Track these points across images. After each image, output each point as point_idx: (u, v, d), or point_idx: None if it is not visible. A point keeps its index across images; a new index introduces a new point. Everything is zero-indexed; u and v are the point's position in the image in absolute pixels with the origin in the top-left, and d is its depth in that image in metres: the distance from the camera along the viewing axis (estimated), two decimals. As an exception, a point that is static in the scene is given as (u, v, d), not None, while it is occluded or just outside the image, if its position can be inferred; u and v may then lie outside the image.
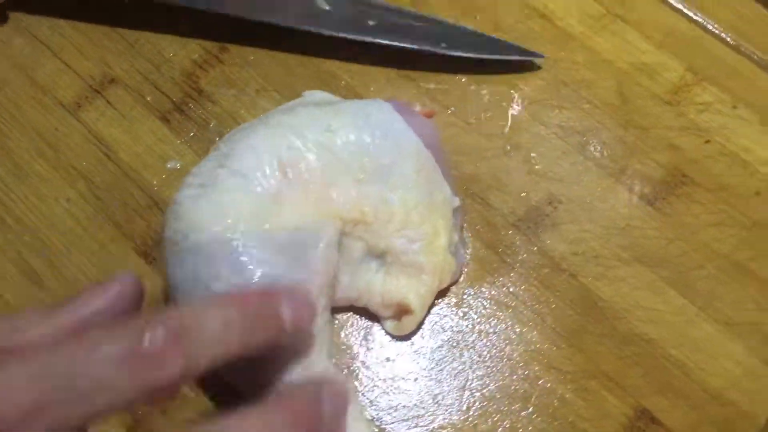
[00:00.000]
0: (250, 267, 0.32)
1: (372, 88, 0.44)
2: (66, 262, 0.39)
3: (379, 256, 0.37)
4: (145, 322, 0.27)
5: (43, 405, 0.25)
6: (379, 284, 0.37)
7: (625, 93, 0.44)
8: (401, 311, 0.38)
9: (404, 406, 0.37)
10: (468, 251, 0.40)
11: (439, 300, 0.39)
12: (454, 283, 0.39)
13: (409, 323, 0.38)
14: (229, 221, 0.33)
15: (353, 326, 0.38)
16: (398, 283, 0.37)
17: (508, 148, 0.43)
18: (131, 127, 0.42)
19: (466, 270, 0.40)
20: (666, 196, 0.42)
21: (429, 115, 0.40)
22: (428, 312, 0.39)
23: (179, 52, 0.44)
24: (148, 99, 0.43)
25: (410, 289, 0.37)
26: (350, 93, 0.43)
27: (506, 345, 0.38)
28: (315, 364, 0.34)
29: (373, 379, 0.37)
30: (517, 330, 0.38)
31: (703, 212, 0.41)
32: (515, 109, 0.44)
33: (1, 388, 0.25)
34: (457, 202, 0.39)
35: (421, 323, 0.38)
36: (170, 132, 0.42)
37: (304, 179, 0.34)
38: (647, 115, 0.44)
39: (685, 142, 0.43)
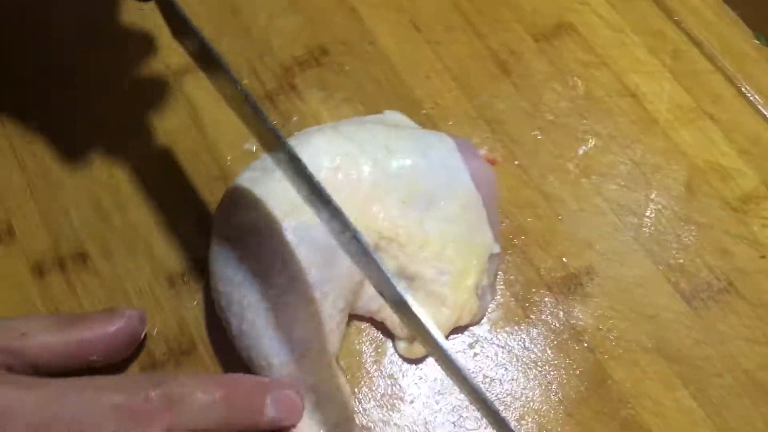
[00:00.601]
0: (283, 255, 0.35)
1: (450, 122, 0.46)
2: (133, 208, 0.43)
3: (408, 278, 0.39)
4: (148, 381, 0.32)
5: (45, 429, 0.30)
6: None
7: (693, 188, 0.44)
8: (414, 336, 0.39)
9: (395, 424, 0.38)
10: (495, 298, 0.41)
11: (456, 336, 0.40)
12: (474, 324, 0.40)
13: (419, 349, 0.39)
14: (274, 209, 0.35)
15: (368, 336, 0.40)
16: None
17: (563, 211, 0.44)
18: (223, 102, 0.46)
19: (488, 315, 0.41)
20: (706, 298, 0.42)
21: (492, 162, 0.42)
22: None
23: (285, 46, 0.48)
24: (245, 81, 0.46)
25: (428, 318, 0.38)
26: (428, 122, 0.46)
27: (507, 396, 0.39)
28: (319, 361, 0.36)
29: (372, 390, 0.39)
30: (521, 384, 0.39)
31: (739, 324, 0.41)
32: (580, 177, 0.44)
33: (17, 406, 0.30)
34: (496, 249, 0.40)
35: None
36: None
37: (352, 186, 0.36)
38: (709, 215, 0.44)
39: (739, 251, 0.43)
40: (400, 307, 0.32)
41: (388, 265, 0.39)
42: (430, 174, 0.39)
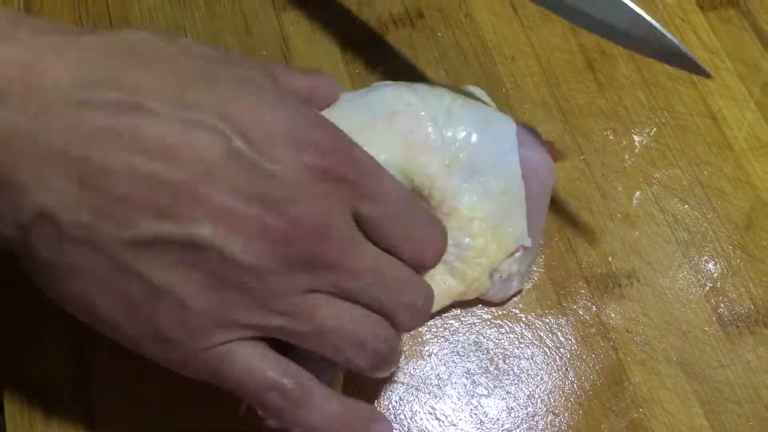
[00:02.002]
0: None
1: (526, 105, 0.46)
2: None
3: None
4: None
5: (362, 273, 0.31)
6: None
7: (753, 220, 0.44)
8: None
9: (409, 373, 0.39)
10: (533, 280, 0.42)
11: (487, 308, 0.41)
12: (494, 304, 0.41)
13: None
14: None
15: (402, 286, 0.41)
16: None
17: (617, 212, 0.44)
18: (314, 39, 0.48)
19: (522, 295, 0.41)
20: (741, 326, 0.41)
21: (555, 159, 0.42)
22: (444, 311, 0.41)
23: (386, 0, 0.49)
24: (334, 29, 0.48)
25: (433, 281, 0.39)
26: (505, 101, 0.46)
27: (522, 372, 0.40)
28: None
29: (394, 338, 0.40)
30: (539, 365, 0.40)
31: (769, 359, 0.41)
32: (642, 184, 0.45)
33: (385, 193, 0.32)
34: (527, 242, 0.40)
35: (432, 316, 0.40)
36: (341, 60, 0.47)
37: (403, 133, 0.38)
38: (764, 249, 0.43)
39: (786, 290, 0.42)
40: None
41: None
42: (480, 148, 0.39)
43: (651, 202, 0.44)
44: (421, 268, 0.34)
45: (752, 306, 0.42)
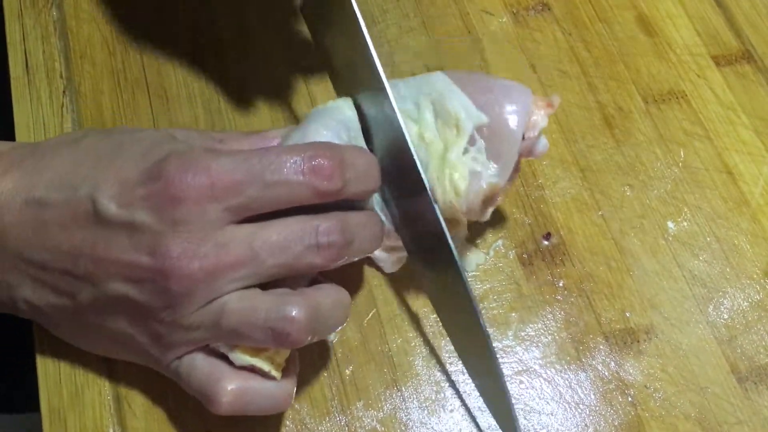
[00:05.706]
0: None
1: (545, 162, 0.48)
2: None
3: None
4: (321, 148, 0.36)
5: (241, 185, 0.34)
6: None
7: (771, 275, 0.45)
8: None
9: (432, 428, 0.41)
10: (552, 334, 0.43)
11: (503, 361, 0.42)
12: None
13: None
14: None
15: (421, 340, 0.43)
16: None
17: (635, 268, 0.45)
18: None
19: (541, 348, 0.43)
20: (758, 382, 0.42)
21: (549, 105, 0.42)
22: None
23: (406, 62, 0.51)
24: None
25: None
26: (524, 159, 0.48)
27: (542, 428, 0.41)
28: None
29: (418, 392, 0.41)
30: (559, 421, 0.41)
31: (787, 415, 0.41)
32: (660, 239, 0.46)
33: (218, 166, 0.34)
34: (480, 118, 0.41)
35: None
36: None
37: None
38: (781, 303, 0.44)
39: (804, 346, 0.43)
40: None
41: None
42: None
43: (669, 258, 0.45)
44: (320, 196, 0.35)
45: (769, 361, 0.43)
